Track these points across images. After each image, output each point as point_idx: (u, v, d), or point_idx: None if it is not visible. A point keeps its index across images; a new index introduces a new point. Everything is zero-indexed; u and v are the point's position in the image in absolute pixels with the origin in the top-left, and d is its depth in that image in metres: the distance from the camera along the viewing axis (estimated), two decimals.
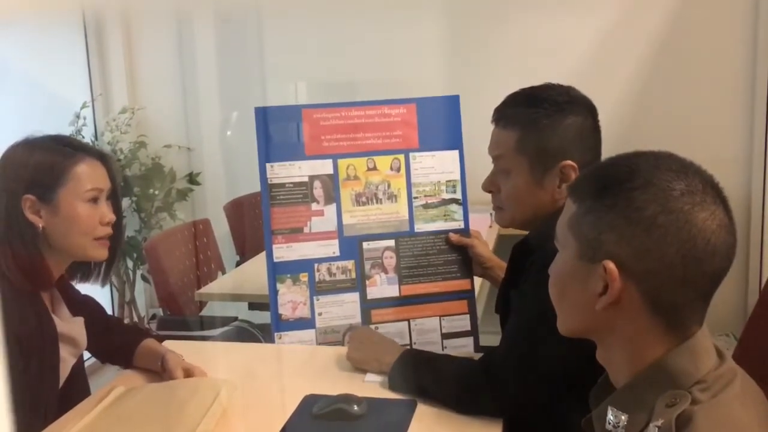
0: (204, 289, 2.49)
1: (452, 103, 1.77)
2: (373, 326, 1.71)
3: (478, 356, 1.46)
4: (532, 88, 1.41)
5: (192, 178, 3.71)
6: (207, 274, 2.94)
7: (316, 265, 1.71)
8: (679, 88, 3.25)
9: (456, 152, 1.76)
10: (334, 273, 1.72)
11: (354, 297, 1.72)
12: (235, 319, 2.70)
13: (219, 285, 2.59)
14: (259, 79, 3.64)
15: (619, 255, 0.79)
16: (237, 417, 1.36)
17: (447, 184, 1.76)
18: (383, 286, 1.73)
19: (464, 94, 1.78)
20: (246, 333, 2.55)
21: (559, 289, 0.89)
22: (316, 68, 3.61)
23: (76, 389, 1.49)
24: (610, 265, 0.79)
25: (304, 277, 1.71)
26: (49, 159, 1.36)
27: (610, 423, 0.82)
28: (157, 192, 3.55)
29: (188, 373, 1.49)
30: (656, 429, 0.76)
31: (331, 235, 1.72)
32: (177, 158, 3.76)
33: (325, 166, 1.73)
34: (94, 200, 1.38)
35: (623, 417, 0.81)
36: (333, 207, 1.72)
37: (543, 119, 1.35)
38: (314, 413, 1.35)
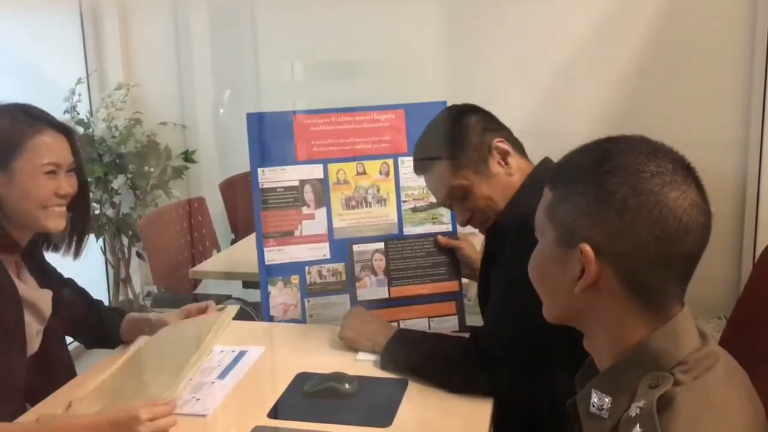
0: (198, 267, 2.50)
1: (440, 108, 1.78)
2: None
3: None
4: (421, 136, 1.54)
5: (187, 156, 3.69)
6: (201, 252, 2.95)
7: (306, 268, 1.75)
8: (675, 74, 3.23)
9: None
10: (324, 275, 1.76)
11: (344, 299, 1.76)
12: (229, 297, 2.70)
13: (213, 263, 2.60)
14: (254, 57, 3.62)
15: (594, 238, 0.80)
16: (229, 393, 1.38)
17: None
18: (373, 288, 1.77)
19: (456, 96, 1.78)
20: (240, 311, 2.55)
21: (539, 275, 0.91)
22: (311, 47, 3.58)
23: (57, 363, 1.50)
24: (586, 247, 0.80)
25: (295, 279, 1.75)
26: (8, 128, 1.36)
27: (594, 405, 0.83)
28: (152, 169, 3.54)
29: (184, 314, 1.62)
30: (638, 410, 0.76)
31: (321, 238, 1.76)
32: (172, 136, 3.74)
33: (315, 171, 1.76)
34: (52, 172, 1.38)
35: (607, 399, 0.82)
36: (323, 211, 1.76)
37: (451, 136, 1.45)
38: (306, 391, 1.36)
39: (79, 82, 3.43)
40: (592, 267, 0.80)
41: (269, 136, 1.76)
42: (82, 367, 1.57)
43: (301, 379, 1.42)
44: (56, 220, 1.39)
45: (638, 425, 0.75)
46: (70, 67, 3.57)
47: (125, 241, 3.59)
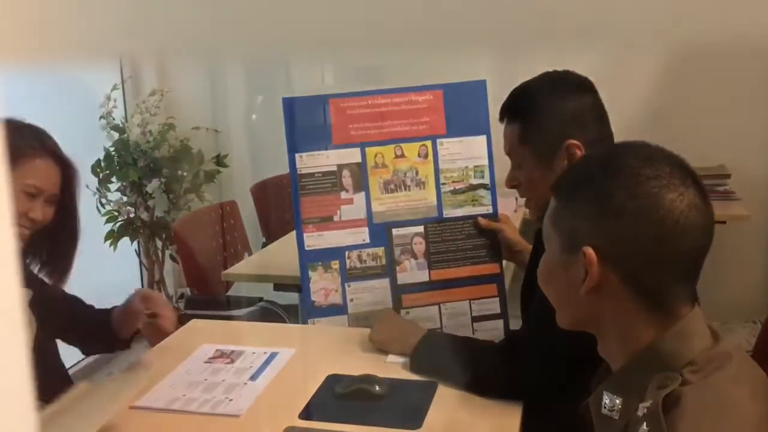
0: (230, 270, 2.52)
1: (479, 88, 1.77)
2: (403, 311, 1.73)
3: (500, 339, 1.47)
4: (529, 80, 1.44)
5: (219, 160, 3.74)
6: (233, 254, 2.98)
7: (346, 253, 1.74)
8: (709, 74, 3.19)
9: (483, 137, 1.77)
10: (364, 260, 1.75)
11: (384, 283, 1.75)
12: (261, 299, 2.74)
13: (245, 266, 2.62)
14: (285, 62, 3.65)
15: (595, 242, 0.83)
16: (261, 394, 1.39)
17: (475, 169, 1.77)
18: (413, 272, 1.75)
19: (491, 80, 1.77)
20: (271, 313, 2.59)
21: (546, 282, 0.94)
22: (343, 51, 3.60)
23: (52, 372, 1.52)
24: (589, 250, 0.83)
25: (335, 264, 1.74)
26: (13, 141, 1.39)
27: (605, 407, 0.84)
28: (185, 174, 3.59)
29: (145, 300, 1.54)
30: (645, 410, 0.77)
31: (360, 223, 1.75)
32: (205, 140, 3.78)
33: (353, 155, 1.75)
34: (32, 195, 1.41)
35: (618, 400, 0.83)
36: (362, 195, 1.75)
37: (539, 107, 1.39)
38: (336, 392, 1.37)
39: (114, 88, 3.49)
40: (594, 269, 0.82)
41: (305, 120, 1.75)
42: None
43: (332, 380, 1.43)
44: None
45: (645, 424, 0.76)
46: (105, 74, 3.64)
47: (159, 244, 3.64)
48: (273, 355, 1.57)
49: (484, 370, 1.37)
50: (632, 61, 3.22)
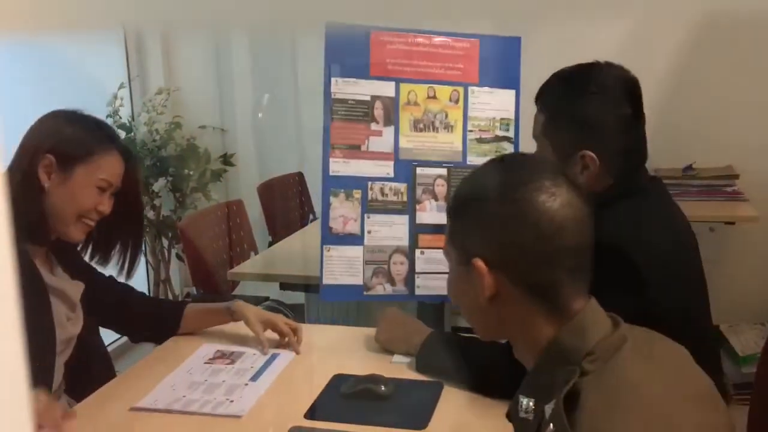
0: (236, 269, 2.52)
1: (514, 43, 1.82)
2: (418, 251, 1.76)
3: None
4: (566, 70, 1.38)
5: (226, 159, 3.74)
6: (239, 254, 2.98)
7: (369, 184, 1.77)
8: (724, 76, 3.16)
9: (512, 92, 1.81)
10: (386, 193, 1.77)
11: (403, 219, 1.78)
12: (267, 299, 2.73)
13: (251, 265, 2.62)
14: (292, 61, 3.65)
15: (484, 252, 0.87)
16: (264, 394, 1.39)
17: (501, 121, 1.81)
18: (432, 212, 1.79)
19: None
20: (277, 312, 2.57)
21: (454, 296, 0.97)
22: None
23: (96, 365, 1.55)
24: (478, 262, 0.86)
25: (357, 193, 1.77)
26: (84, 136, 1.44)
27: (522, 409, 0.86)
28: (192, 172, 3.58)
29: (269, 325, 1.60)
30: (550, 410, 0.79)
31: (387, 156, 1.77)
32: (212, 139, 3.79)
33: (387, 88, 1.78)
34: (102, 189, 1.44)
35: (531, 403, 0.85)
36: (391, 129, 1.78)
37: (563, 106, 1.34)
38: (342, 392, 1.37)
39: (121, 87, 3.50)
40: (486, 279, 0.86)
41: (346, 48, 1.78)
42: (125, 365, 1.60)
43: (338, 380, 1.43)
44: (80, 232, 1.45)
45: (551, 425, 0.77)
46: (112, 73, 3.64)
47: (165, 242, 3.64)
48: (274, 357, 1.56)
49: (489, 370, 1.36)
50: (637, 63, 3.20)
